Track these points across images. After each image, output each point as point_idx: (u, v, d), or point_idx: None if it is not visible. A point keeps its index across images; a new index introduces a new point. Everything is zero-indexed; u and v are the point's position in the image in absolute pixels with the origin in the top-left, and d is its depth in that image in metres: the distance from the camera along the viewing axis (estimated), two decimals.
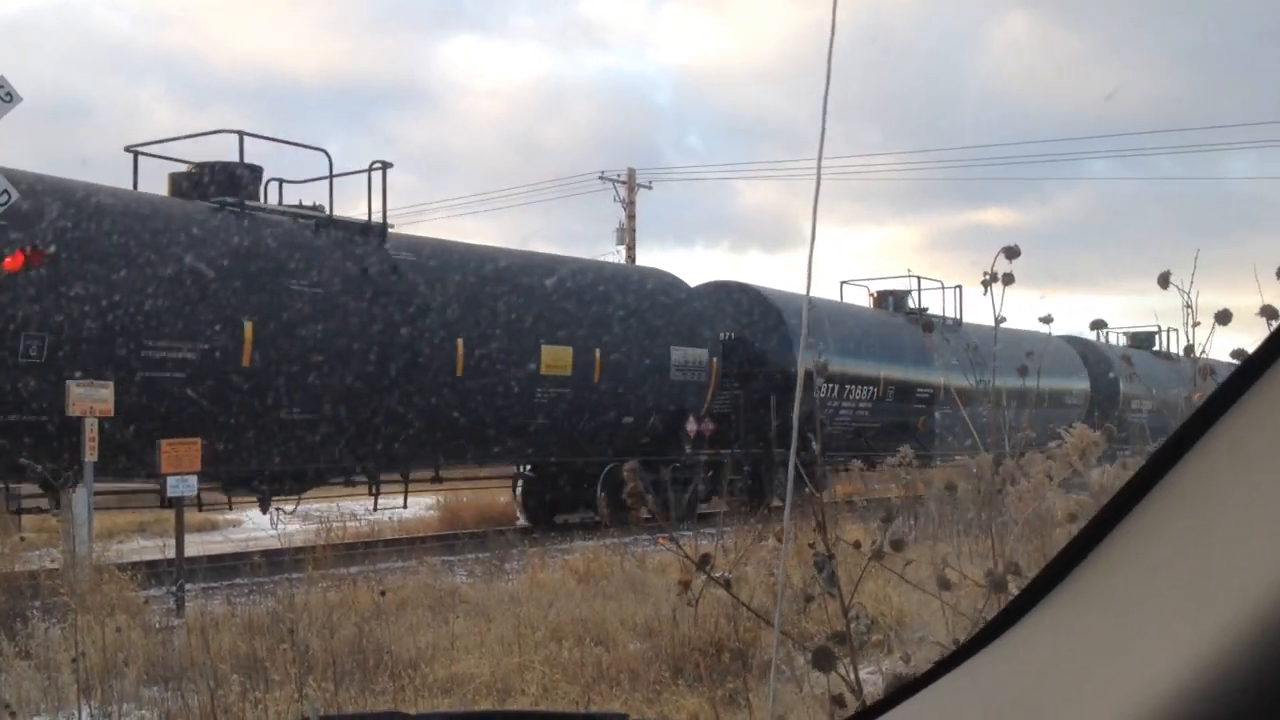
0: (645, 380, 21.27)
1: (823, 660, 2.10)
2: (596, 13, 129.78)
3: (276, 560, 12.39)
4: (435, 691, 7.15)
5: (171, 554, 11.82)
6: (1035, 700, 1.25)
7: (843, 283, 30.41)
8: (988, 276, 3.43)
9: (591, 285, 21.13)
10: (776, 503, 21.77)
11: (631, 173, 37.92)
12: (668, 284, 23.11)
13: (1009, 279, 3.42)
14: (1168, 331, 36.96)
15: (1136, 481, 1.22)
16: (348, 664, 7.25)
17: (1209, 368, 3.68)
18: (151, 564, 12.92)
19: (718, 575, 2.74)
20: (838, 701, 2.33)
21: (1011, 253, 3.32)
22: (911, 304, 30.61)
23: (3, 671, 7.61)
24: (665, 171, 74.80)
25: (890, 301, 29.93)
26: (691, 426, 22.03)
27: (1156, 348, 37.65)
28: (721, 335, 23.92)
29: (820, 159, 2.00)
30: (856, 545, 3.08)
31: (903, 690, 1.56)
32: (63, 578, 10.17)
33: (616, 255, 36.32)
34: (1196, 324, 3.57)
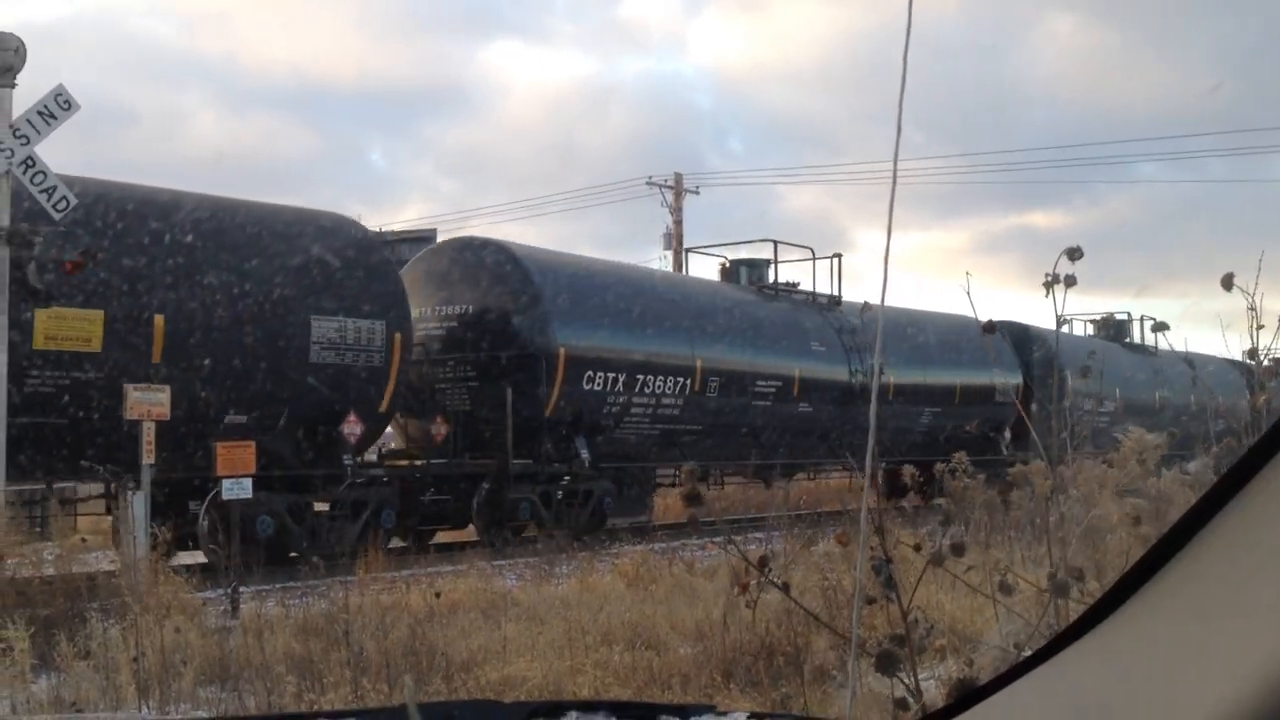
0: (261, 363, 14.81)
1: (886, 663, 2.10)
2: (635, 16, 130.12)
3: (330, 563, 12.50)
4: (488, 694, 7.17)
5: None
6: (1109, 707, 1.23)
7: (687, 250, 25.63)
8: (1049, 278, 3.40)
9: (157, 224, 14.07)
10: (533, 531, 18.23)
11: (679, 177, 37.92)
12: (321, 231, 16.13)
13: (1071, 281, 3.39)
14: (1141, 320, 31.84)
15: (1219, 488, 1.21)
16: (401, 666, 7.28)
17: (1275, 369, 3.63)
18: (206, 566, 13.08)
19: (775, 580, 2.74)
20: (901, 705, 2.32)
21: (1074, 254, 3.29)
22: (802, 278, 25.03)
23: (63, 672, 7.72)
24: (708, 176, 75.06)
25: (743, 272, 24.48)
26: (353, 429, 15.43)
27: (1129, 339, 32.47)
28: (457, 308, 18.83)
29: (896, 161, 2.00)
30: (916, 548, 3.07)
31: (969, 696, 1.55)
32: (121, 579, 10.31)
33: (664, 261, 36.26)
34: (1261, 326, 3.51)
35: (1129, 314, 32.76)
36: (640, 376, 19.50)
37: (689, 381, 20.35)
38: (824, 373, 23.30)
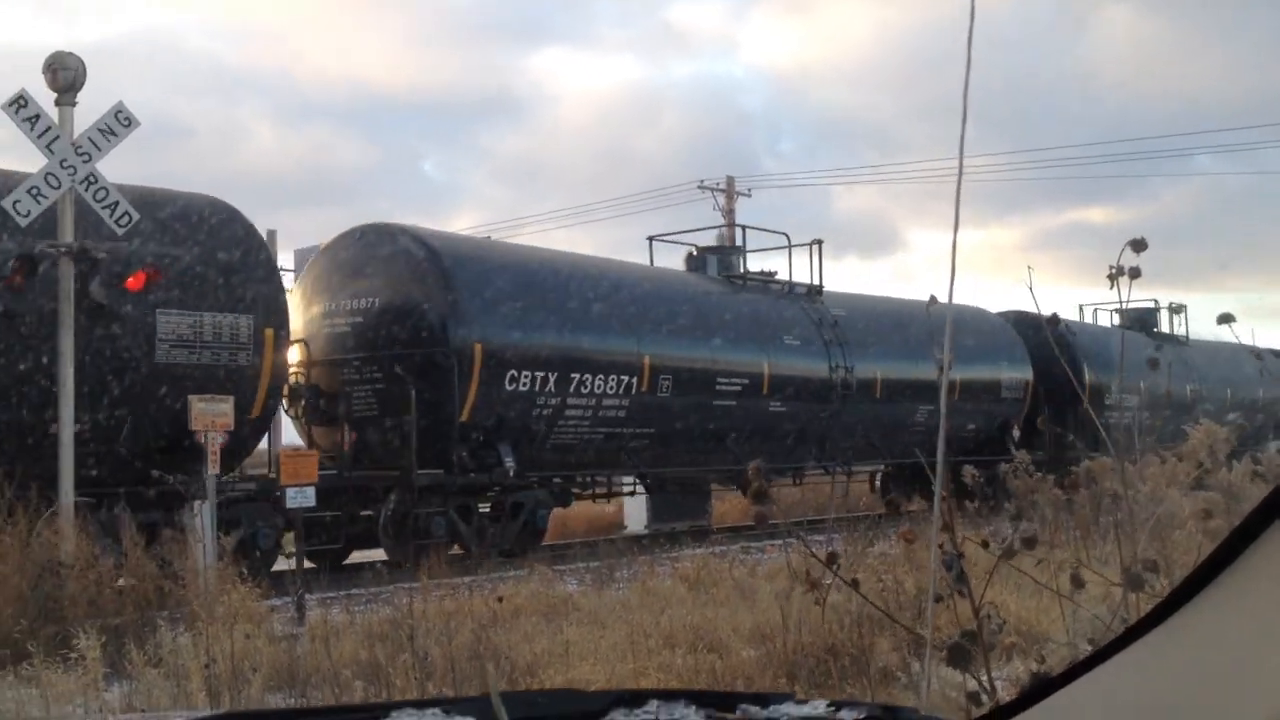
0: (93, 363, 12.83)
1: (958, 657, 2.09)
2: (684, 19, 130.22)
3: (394, 570, 12.62)
4: None
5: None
6: (1183, 698, 1.23)
7: (650, 238, 23.09)
8: (1113, 270, 3.37)
9: None
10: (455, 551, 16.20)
11: (731, 181, 37.89)
12: (173, 213, 14.06)
13: (1135, 273, 3.36)
14: (1170, 309, 30.72)
15: None
16: (466, 670, 7.34)
17: None
18: (272, 575, 13.24)
19: (844, 577, 2.74)
20: (973, 699, 2.31)
21: (1139, 245, 3.26)
22: (774, 268, 23.28)
23: (135, 679, 7.85)
24: (760, 179, 74.91)
25: (711, 261, 22.57)
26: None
27: (1158, 328, 30.75)
28: (363, 301, 16.92)
29: (961, 158, 1.99)
30: (984, 545, 3.06)
31: (1039, 689, 1.55)
32: (189, 588, 10.47)
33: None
34: None
35: (1155, 302, 30.96)
36: (575, 375, 17.55)
37: (635, 380, 18.37)
38: (799, 368, 21.35)
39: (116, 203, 12.03)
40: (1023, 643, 7.41)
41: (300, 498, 11.71)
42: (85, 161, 11.83)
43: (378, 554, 16.71)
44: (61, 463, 11.58)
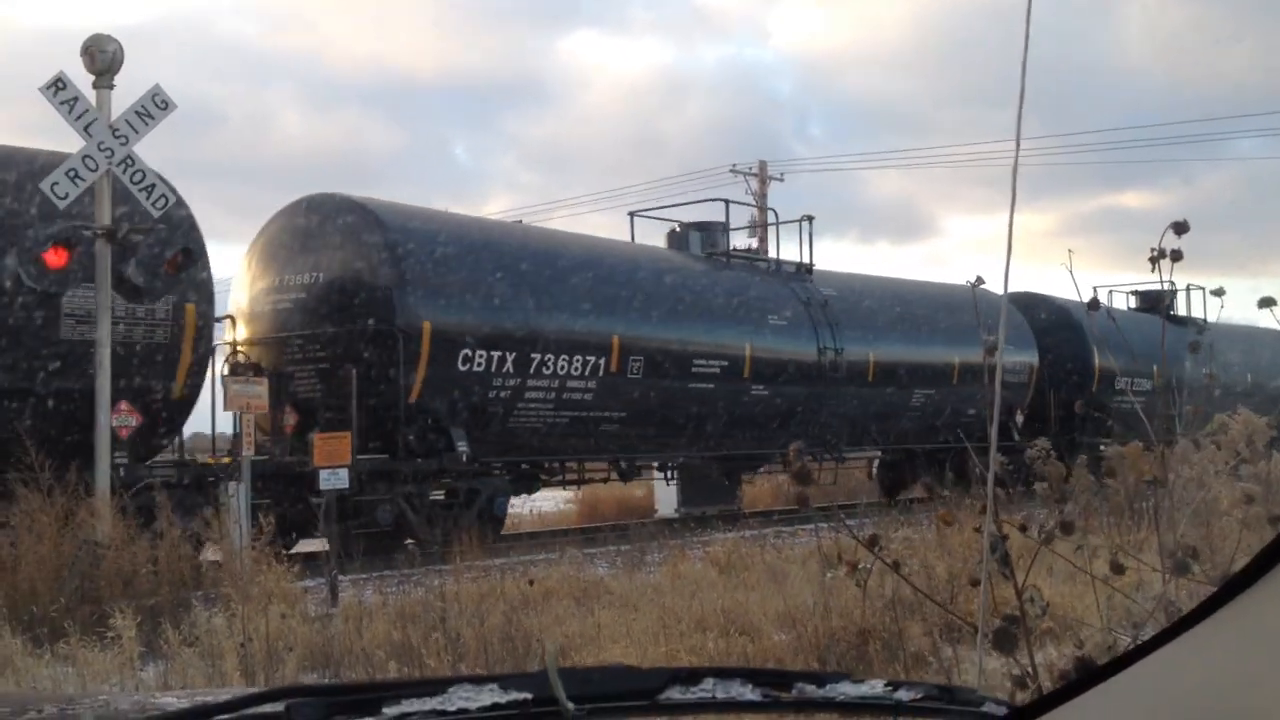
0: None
1: (1003, 641, 2.08)
2: (713, 3, 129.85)
3: (425, 552, 12.66)
4: None
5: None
6: (1232, 691, 1.21)
7: (632, 214, 22.19)
8: (1155, 253, 3.34)
9: None
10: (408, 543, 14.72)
11: (763, 165, 37.74)
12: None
13: (1178, 255, 3.33)
14: (1188, 290, 28.98)
15: None
16: (498, 652, 7.36)
17: None
18: (307, 556, 13.32)
19: (886, 559, 2.73)
20: (1019, 683, 2.30)
21: (1180, 228, 3.23)
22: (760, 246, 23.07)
23: (170, 659, 7.91)
24: (790, 163, 74.60)
25: (695, 238, 21.34)
26: (124, 420, 12.26)
27: (1174, 311, 27.93)
28: (307, 277, 16.06)
29: (1019, 139, 1.97)
30: (1023, 529, 3.04)
31: (1090, 676, 1.53)
32: (224, 569, 10.54)
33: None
34: None
35: (1172, 284, 29.67)
36: (536, 356, 16.51)
37: (604, 361, 17.34)
38: (784, 351, 20.29)
39: (153, 185, 12.11)
40: (1056, 628, 7.36)
41: (333, 480, 11.78)
42: (123, 144, 11.90)
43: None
44: (98, 444, 11.68)
